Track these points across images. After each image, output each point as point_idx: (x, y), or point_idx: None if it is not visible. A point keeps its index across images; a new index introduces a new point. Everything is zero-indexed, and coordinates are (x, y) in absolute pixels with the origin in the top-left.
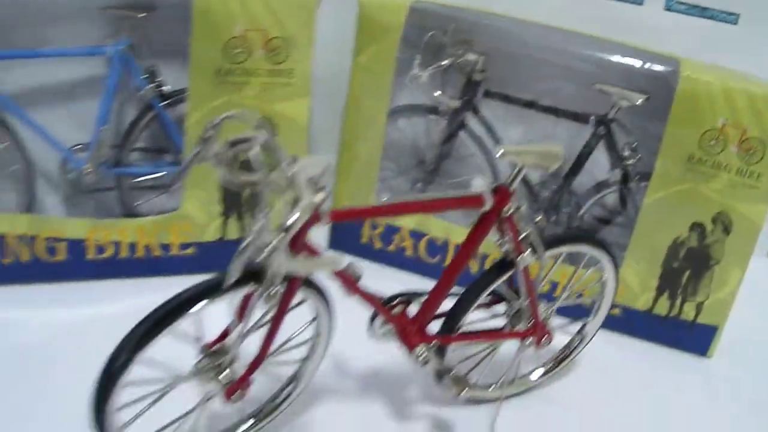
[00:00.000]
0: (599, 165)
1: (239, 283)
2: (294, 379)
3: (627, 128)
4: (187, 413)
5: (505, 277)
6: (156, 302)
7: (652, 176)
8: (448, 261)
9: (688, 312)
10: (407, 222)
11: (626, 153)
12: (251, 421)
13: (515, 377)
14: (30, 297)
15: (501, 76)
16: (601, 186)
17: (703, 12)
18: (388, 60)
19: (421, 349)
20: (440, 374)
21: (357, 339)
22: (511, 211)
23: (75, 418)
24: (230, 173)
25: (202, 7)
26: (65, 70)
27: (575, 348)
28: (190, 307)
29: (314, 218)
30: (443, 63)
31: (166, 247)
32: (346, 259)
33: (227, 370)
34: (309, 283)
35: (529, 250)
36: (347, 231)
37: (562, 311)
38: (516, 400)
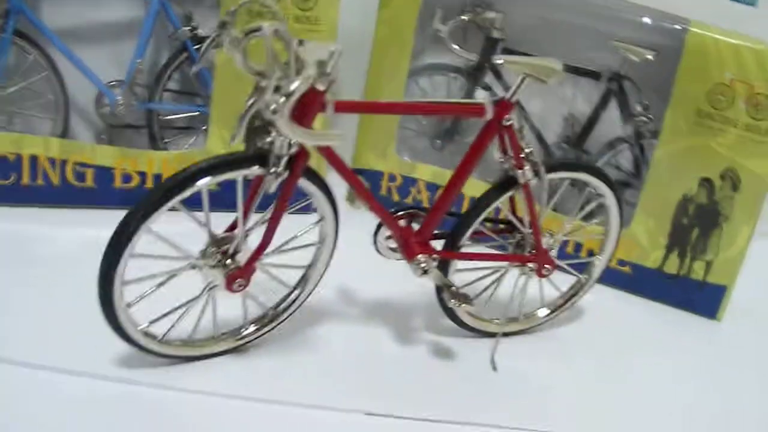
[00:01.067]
0: (613, 127)
1: (245, 161)
2: (298, 285)
3: (639, 87)
4: (191, 300)
5: (507, 194)
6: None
7: (662, 129)
8: None
9: (698, 271)
10: (424, 174)
11: (638, 109)
12: (253, 327)
13: (519, 314)
14: (59, 218)
15: (519, 34)
16: (613, 143)
17: None
18: (411, 14)
19: (421, 257)
20: (441, 289)
21: (365, 272)
22: (511, 121)
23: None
24: (243, 60)
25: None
26: (107, 10)
27: (582, 287)
28: (198, 180)
29: (319, 102)
30: (463, 17)
31: None
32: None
33: (231, 259)
34: (314, 176)
35: (530, 166)
36: (367, 181)
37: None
38: (521, 338)
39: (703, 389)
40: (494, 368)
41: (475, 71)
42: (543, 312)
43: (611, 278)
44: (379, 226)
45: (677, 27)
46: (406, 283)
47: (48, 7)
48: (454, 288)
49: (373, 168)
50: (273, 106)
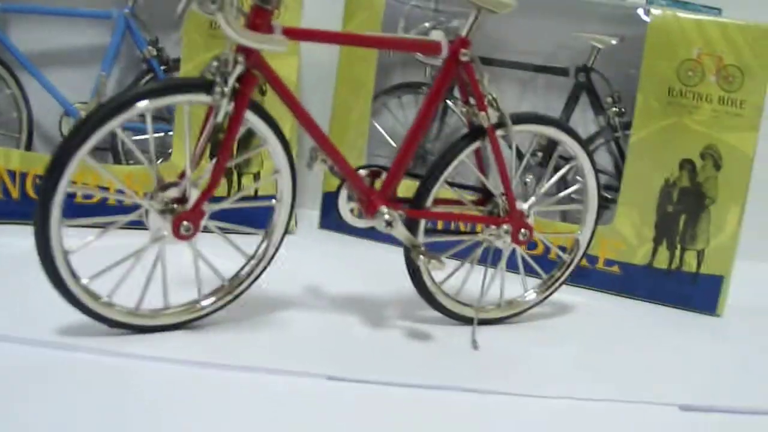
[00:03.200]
0: (587, 127)
1: (191, 87)
2: (257, 252)
3: (607, 80)
4: (137, 251)
5: (473, 145)
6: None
7: (635, 113)
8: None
9: (690, 262)
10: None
11: (609, 101)
12: (212, 299)
13: (500, 299)
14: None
15: (484, 40)
16: (588, 141)
17: (684, 6)
18: (374, 26)
19: (383, 209)
20: (410, 251)
21: (338, 270)
22: (467, 56)
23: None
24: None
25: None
26: (76, 34)
27: (567, 267)
28: (139, 101)
29: (267, 21)
30: (426, 25)
31: None
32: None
33: (178, 203)
34: (262, 112)
35: (493, 110)
36: None
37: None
38: (504, 327)
39: (703, 390)
40: (475, 347)
41: None
42: (530, 296)
43: (599, 281)
44: (339, 186)
45: (640, 9)
46: (380, 286)
47: (17, 29)
48: (422, 247)
49: None
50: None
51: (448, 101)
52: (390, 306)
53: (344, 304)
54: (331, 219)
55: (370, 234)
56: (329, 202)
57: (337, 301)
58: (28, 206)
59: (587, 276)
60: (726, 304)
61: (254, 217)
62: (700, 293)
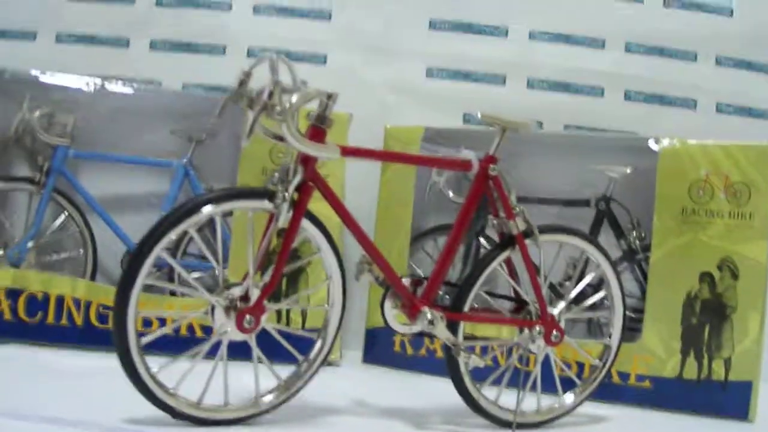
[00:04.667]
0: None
1: (255, 194)
2: (310, 351)
3: (626, 207)
4: (203, 342)
5: (504, 254)
6: None
7: (653, 234)
8: None
9: (718, 371)
10: None
11: (629, 227)
12: (270, 396)
13: (538, 404)
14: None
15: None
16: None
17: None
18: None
19: (425, 309)
20: (450, 350)
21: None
22: (496, 171)
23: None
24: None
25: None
26: (139, 179)
27: (605, 362)
28: (205, 206)
29: (321, 137)
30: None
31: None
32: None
33: (241, 301)
34: (315, 220)
35: (521, 219)
36: (380, 341)
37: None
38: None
39: None
40: None
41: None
42: (568, 398)
43: (631, 396)
44: (385, 294)
45: (649, 143)
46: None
47: (87, 174)
48: (461, 345)
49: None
50: (278, 108)
51: (481, 239)
52: (433, 415)
53: (390, 414)
54: (374, 354)
55: (412, 366)
56: (371, 338)
57: (384, 412)
58: (90, 333)
59: (620, 393)
60: (757, 410)
61: (301, 347)
62: (730, 400)
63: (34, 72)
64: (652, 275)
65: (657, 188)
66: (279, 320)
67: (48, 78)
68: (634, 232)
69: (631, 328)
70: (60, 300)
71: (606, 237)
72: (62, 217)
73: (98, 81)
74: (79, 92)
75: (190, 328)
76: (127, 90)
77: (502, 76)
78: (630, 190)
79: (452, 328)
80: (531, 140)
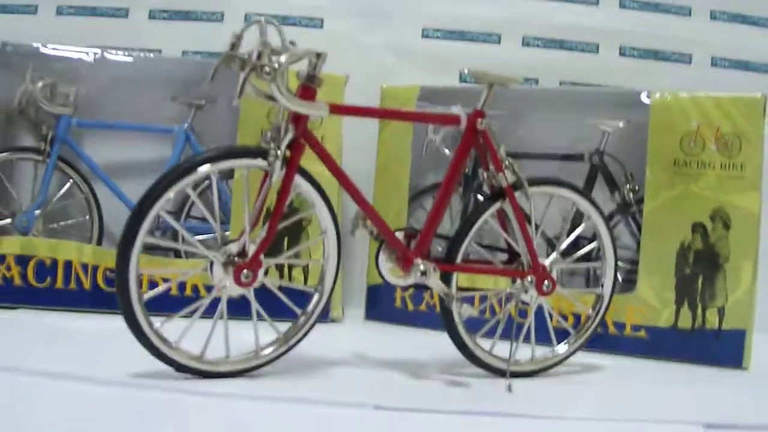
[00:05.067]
0: (605, 206)
1: (249, 153)
2: (307, 306)
3: (620, 161)
4: (200, 299)
5: (495, 206)
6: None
7: (645, 186)
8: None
9: (712, 320)
10: None
11: (622, 180)
12: (269, 349)
13: (533, 355)
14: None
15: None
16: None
17: None
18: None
19: (418, 261)
20: (444, 298)
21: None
22: (484, 124)
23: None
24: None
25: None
26: (141, 146)
27: (597, 312)
28: (202, 165)
29: (311, 96)
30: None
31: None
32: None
33: (238, 256)
34: (308, 176)
35: (510, 172)
36: (382, 297)
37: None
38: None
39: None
40: (509, 390)
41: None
42: (561, 348)
43: (627, 346)
44: (379, 248)
45: (641, 96)
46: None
47: (90, 142)
48: (454, 295)
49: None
50: (267, 69)
51: (479, 195)
52: (431, 366)
53: (389, 365)
54: (376, 310)
55: (413, 321)
56: (373, 295)
57: (382, 364)
58: (98, 296)
59: (616, 343)
60: (751, 358)
61: (302, 303)
62: (724, 349)
63: (35, 44)
64: (646, 227)
65: (649, 141)
66: (281, 279)
67: (49, 50)
68: (628, 185)
69: (629, 280)
70: (68, 265)
71: (601, 191)
72: (68, 185)
73: (98, 51)
74: (80, 62)
75: (195, 288)
76: (128, 59)
77: (497, 34)
78: (624, 144)
79: (446, 279)
80: (527, 96)
